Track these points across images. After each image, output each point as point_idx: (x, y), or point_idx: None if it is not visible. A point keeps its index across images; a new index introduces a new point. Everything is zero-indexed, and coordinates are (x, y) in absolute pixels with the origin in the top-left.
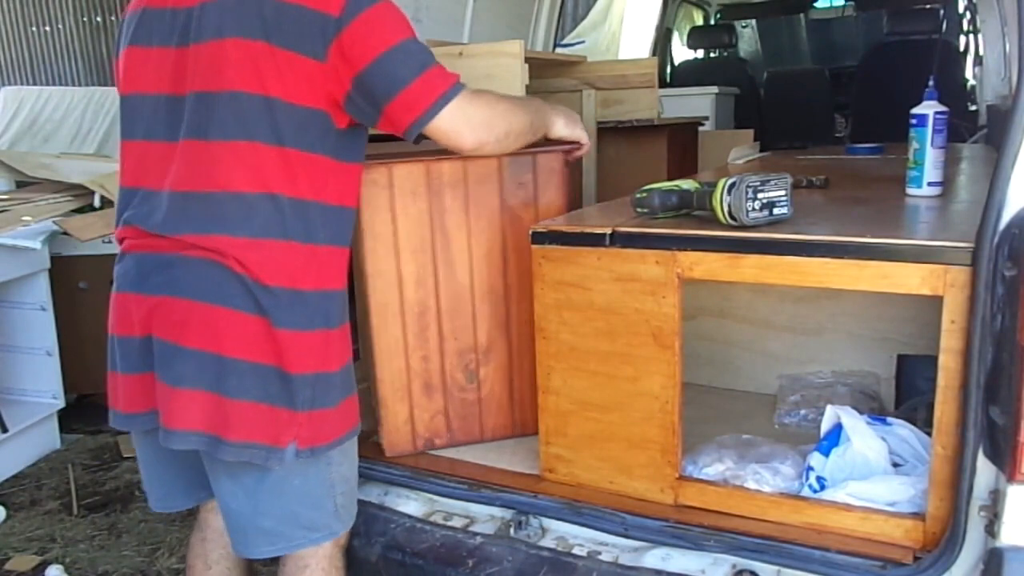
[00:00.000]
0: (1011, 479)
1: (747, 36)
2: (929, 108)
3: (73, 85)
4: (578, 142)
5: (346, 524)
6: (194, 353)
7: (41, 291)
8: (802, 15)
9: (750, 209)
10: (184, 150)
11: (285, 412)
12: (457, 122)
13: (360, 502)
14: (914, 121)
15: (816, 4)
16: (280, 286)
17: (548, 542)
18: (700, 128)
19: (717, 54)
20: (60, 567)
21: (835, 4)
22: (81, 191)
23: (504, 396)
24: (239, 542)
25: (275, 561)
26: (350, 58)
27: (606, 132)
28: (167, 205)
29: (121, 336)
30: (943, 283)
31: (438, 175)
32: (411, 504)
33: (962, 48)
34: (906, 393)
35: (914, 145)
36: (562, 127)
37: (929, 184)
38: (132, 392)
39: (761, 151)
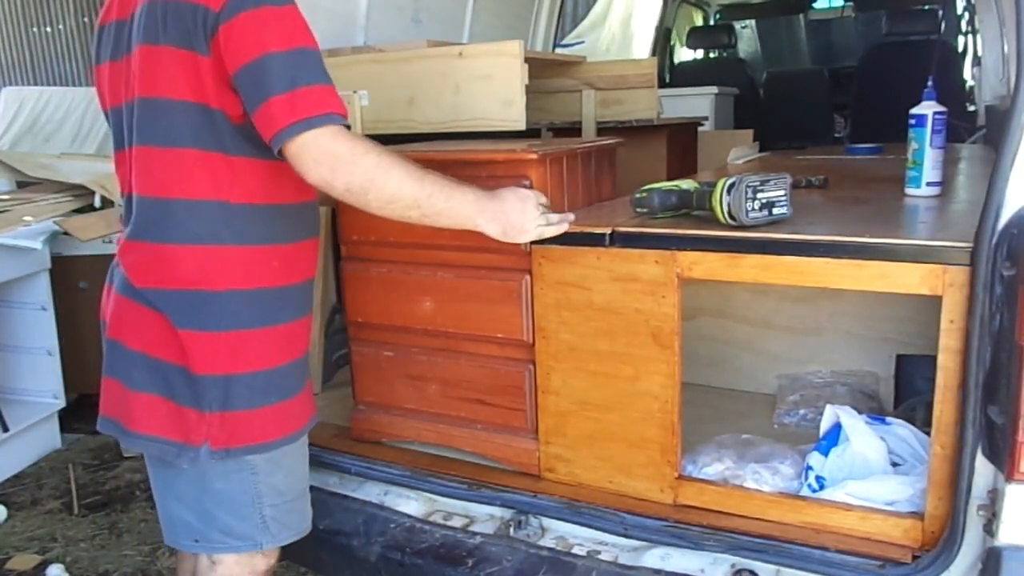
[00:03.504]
0: (1009, 478)
1: (746, 36)
2: (928, 108)
3: (73, 85)
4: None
5: (277, 538)
6: (112, 343)
7: (42, 291)
8: (801, 15)
9: (750, 209)
10: (132, 157)
11: (193, 412)
12: (304, 153)
13: (360, 502)
14: (913, 121)
15: (815, 4)
16: (169, 288)
17: (548, 542)
18: (700, 128)
19: (717, 54)
20: (61, 566)
21: (834, 5)
22: (82, 191)
23: None
24: (164, 529)
25: (276, 560)
26: (226, 57)
27: (606, 132)
28: (131, 209)
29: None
30: (942, 283)
31: None
32: (411, 504)
33: (961, 49)
34: (905, 393)
35: (913, 145)
36: (493, 230)
37: (928, 184)
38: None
39: (760, 151)
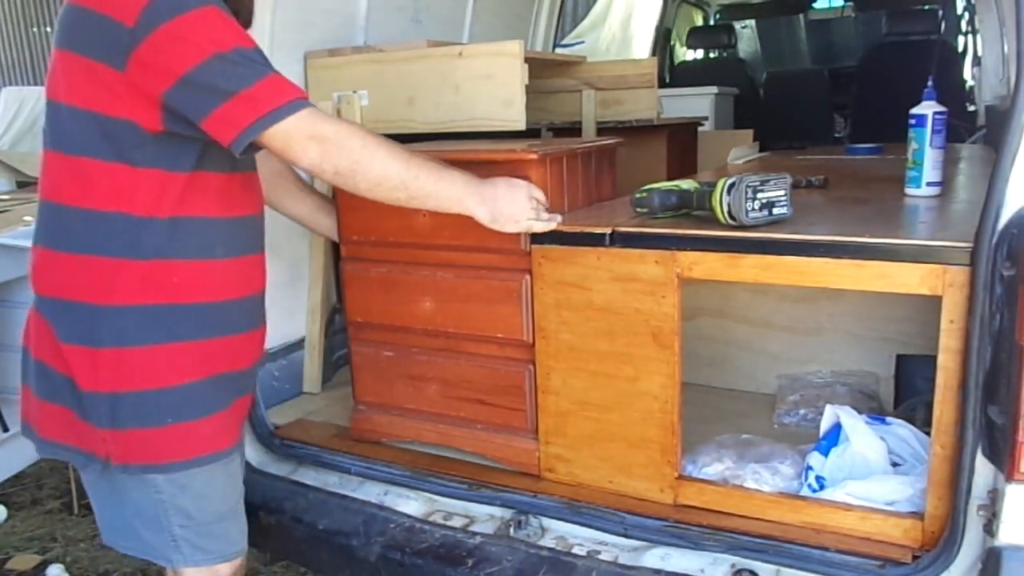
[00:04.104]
0: (1009, 478)
1: (746, 36)
2: (928, 108)
3: None
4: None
5: (191, 559)
6: (24, 349)
7: None
8: (801, 15)
9: (750, 209)
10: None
11: (87, 425)
12: (290, 140)
13: (360, 502)
14: (913, 121)
15: (815, 4)
16: (56, 297)
17: (548, 542)
18: (700, 128)
19: (717, 54)
20: (61, 566)
21: (834, 4)
22: None
23: None
24: (100, 530)
25: (276, 560)
26: (151, 74)
27: (606, 132)
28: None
29: None
30: (942, 283)
31: None
32: (411, 504)
33: (961, 49)
34: (905, 393)
35: (913, 145)
36: (482, 213)
37: (928, 184)
38: None
39: (760, 151)
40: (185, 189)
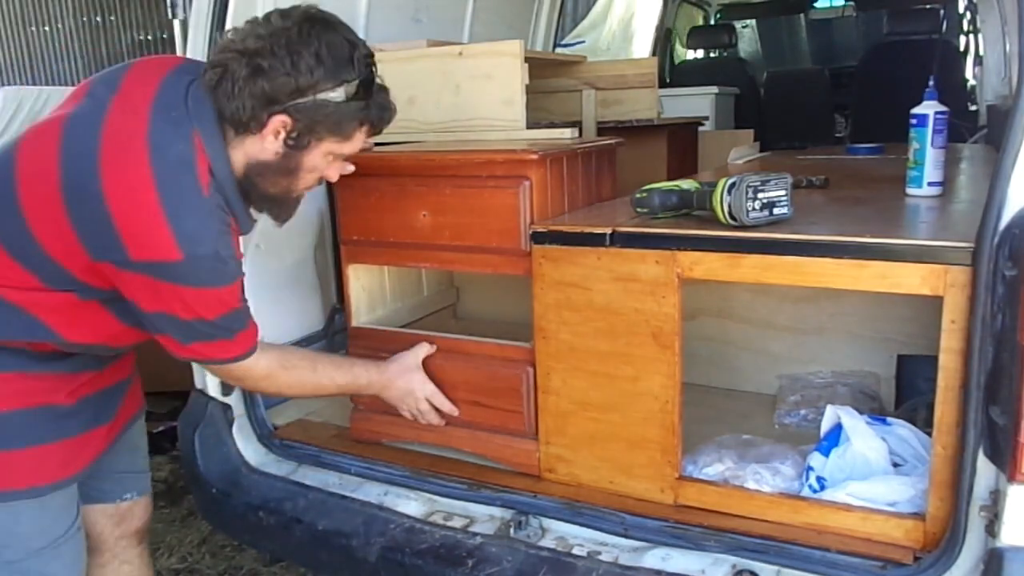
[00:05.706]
0: (1011, 479)
1: (747, 36)
2: (929, 108)
3: (73, 85)
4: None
5: None
6: None
7: None
8: (802, 15)
9: (750, 209)
10: None
11: None
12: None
13: (360, 502)
14: (914, 121)
15: (816, 4)
16: None
17: (548, 542)
18: (700, 128)
19: (717, 54)
20: None
21: (835, 4)
22: None
23: None
24: None
25: (275, 561)
26: (126, 288)
27: (606, 132)
28: None
29: None
30: (943, 283)
31: None
32: (411, 504)
33: (962, 48)
34: (906, 393)
35: (914, 145)
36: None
37: (929, 184)
38: None
39: (761, 151)
40: None
